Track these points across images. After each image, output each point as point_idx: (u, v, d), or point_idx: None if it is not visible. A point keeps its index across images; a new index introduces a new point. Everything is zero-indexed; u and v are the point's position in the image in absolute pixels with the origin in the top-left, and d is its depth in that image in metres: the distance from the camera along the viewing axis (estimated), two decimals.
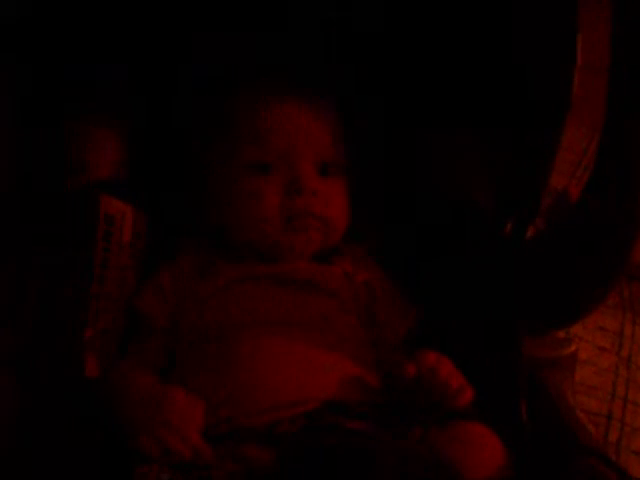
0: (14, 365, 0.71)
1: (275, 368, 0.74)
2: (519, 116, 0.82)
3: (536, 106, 0.81)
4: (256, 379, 0.73)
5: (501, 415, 0.73)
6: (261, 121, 0.82)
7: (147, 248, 0.86)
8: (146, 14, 0.83)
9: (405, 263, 0.89)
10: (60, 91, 0.79)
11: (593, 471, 0.71)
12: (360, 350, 0.80)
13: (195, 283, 0.82)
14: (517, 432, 0.74)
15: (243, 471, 0.68)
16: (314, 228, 0.82)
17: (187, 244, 0.87)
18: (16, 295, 0.73)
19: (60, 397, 0.72)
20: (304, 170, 0.81)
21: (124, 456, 0.69)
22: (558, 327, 0.85)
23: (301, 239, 0.82)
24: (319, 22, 0.86)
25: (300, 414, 0.71)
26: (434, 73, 0.87)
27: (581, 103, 0.83)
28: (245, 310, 0.79)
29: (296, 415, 0.71)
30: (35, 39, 0.76)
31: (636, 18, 0.72)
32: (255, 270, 0.82)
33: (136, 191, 0.85)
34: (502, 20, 0.82)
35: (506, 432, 0.70)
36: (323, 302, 0.81)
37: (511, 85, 0.82)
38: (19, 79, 0.76)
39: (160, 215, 0.88)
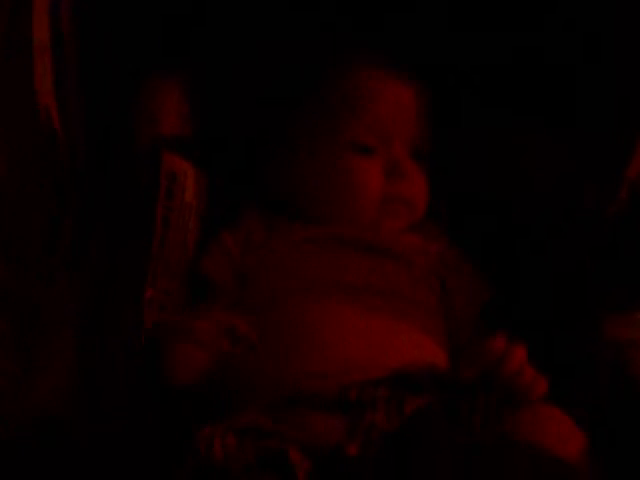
0: (75, 325, 0.69)
1: (344, 333, 0.71)
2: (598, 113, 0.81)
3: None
4: (324, 343, 0.70)
5: (581, 397, 0.70)
6: (367, 97, 0.81)
7: (208, 210, 0.82)
8: None
9: (479, 240, 0.84)
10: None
11: None
12: (431, 321, 0.76)
13: (263, 240, 0.79)
14: (597, 415, 0.69)
15: (312, 441, 0.64)
16: (403, 213, 0.82)
17: (251, 205, 0.84)
18: (78, 253, 0.71)
19: (120, 357, 0.69)
20: (403, 154, 0.81)
21: (185, 419, 0.67)
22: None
23: (390, 223, 0.81)
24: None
25: (369, 381, 0.68)
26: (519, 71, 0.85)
27: None
28: (316, 272, 0.76)
29: (365, 382, 0.68)
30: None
31: None
32: (330, 231, 0.79)
33: (200, 150, 0.82)
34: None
35: (585, 415, 0.67)
36: (397, 269, 0.78)
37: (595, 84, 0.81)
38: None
39: (223, 178, 0.84)
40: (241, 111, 0.85)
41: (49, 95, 0.68)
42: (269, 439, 0.63)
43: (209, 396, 0.71)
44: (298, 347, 0.70)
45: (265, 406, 0.67)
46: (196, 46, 0.85)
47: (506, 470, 0.60)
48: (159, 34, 0.82)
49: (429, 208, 0.85)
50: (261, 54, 0.85)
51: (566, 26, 0.82)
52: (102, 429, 0.63)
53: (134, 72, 0.80)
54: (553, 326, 0.76)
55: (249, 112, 0.85)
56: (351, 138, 0.79)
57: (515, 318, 0.77)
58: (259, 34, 0.85)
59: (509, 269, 0.81)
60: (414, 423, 0.64)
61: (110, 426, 0.63)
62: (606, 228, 0.80)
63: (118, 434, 0.63)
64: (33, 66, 0.68)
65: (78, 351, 0.66)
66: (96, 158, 0.74)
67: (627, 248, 0.79)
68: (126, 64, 0.79)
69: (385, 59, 0.82)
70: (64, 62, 0.69)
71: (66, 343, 0.65)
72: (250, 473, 0.61)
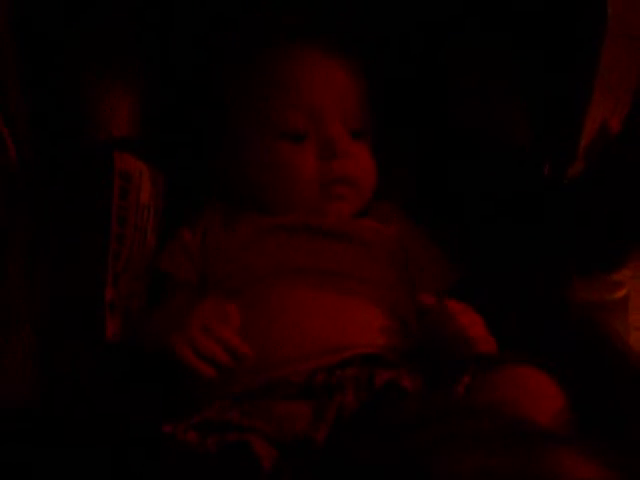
0: (34, 328, 0.67)
1: (306, 316, 0.70)
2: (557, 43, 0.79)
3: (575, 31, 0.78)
4: (287, 327, 0.69)
5: (553, 356, 0.67)
6: (294, 80, 0.79)
7: (166, 209, 0.82)
8: None
9: (441, 213, 0.84)
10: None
11: None
12: (396, 302, 0.75)
13: (221, 236, 0.79)
14: (572, 372, 0.68)
15: (280, 431, 0.63)
16: (348, 195, 0.80)
17: (209, 202, 0.84)
18: (34, 259, 0.70)
19: (82, 358, 0.68)
20: (337, 132, 0.79)
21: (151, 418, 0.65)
22: (607, 270, 0.80)
23: (335, 207, 0.80)
24: None
25: (335, 364, 0.67)
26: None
27: None
28: (274, 259, 0.75)
29: (331, 365, 0.67)
30: None
31: None
32: (284, 220, 0.79)
33: (153, 151, 0.82)
34: None
35: (560, 373, 0.65)
36: (355, 252, 0.77)
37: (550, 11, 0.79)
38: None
39: (179, 177, 0.84)
40: (186, 108, 0.85)
41: None
42: (233, 432, 0.61)
43: (177, 390, 0.69)
44: (261, 333, 0.68)
45: (231, 399, 0.66)
46: (146, 50, 0.85)
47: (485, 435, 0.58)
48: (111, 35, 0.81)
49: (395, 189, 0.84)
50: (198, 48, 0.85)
51: None
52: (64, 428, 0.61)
53: (83, 74, 0.79)
54: (523, 290, 0.76)
55: (194, 109, 0.84)
56: (280, 127, 0.78)
57: (482, 291, 0.76)
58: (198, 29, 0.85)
59: (480, 239, 0.81)
60: (384, 395, 0.63)
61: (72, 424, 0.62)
62: (570, 193, 0.80)
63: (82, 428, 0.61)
64: None
65: (38, 351, 0.65)
66: (47, 159, 0.73)
67: (594, 212, 0.78)
68: (75, 65, 0.78)
69: (320, 43, 0.81)
70: (3, 62, 0.68)
71: (24, 341, 0.64)
72: (213, 466, 0.59)
